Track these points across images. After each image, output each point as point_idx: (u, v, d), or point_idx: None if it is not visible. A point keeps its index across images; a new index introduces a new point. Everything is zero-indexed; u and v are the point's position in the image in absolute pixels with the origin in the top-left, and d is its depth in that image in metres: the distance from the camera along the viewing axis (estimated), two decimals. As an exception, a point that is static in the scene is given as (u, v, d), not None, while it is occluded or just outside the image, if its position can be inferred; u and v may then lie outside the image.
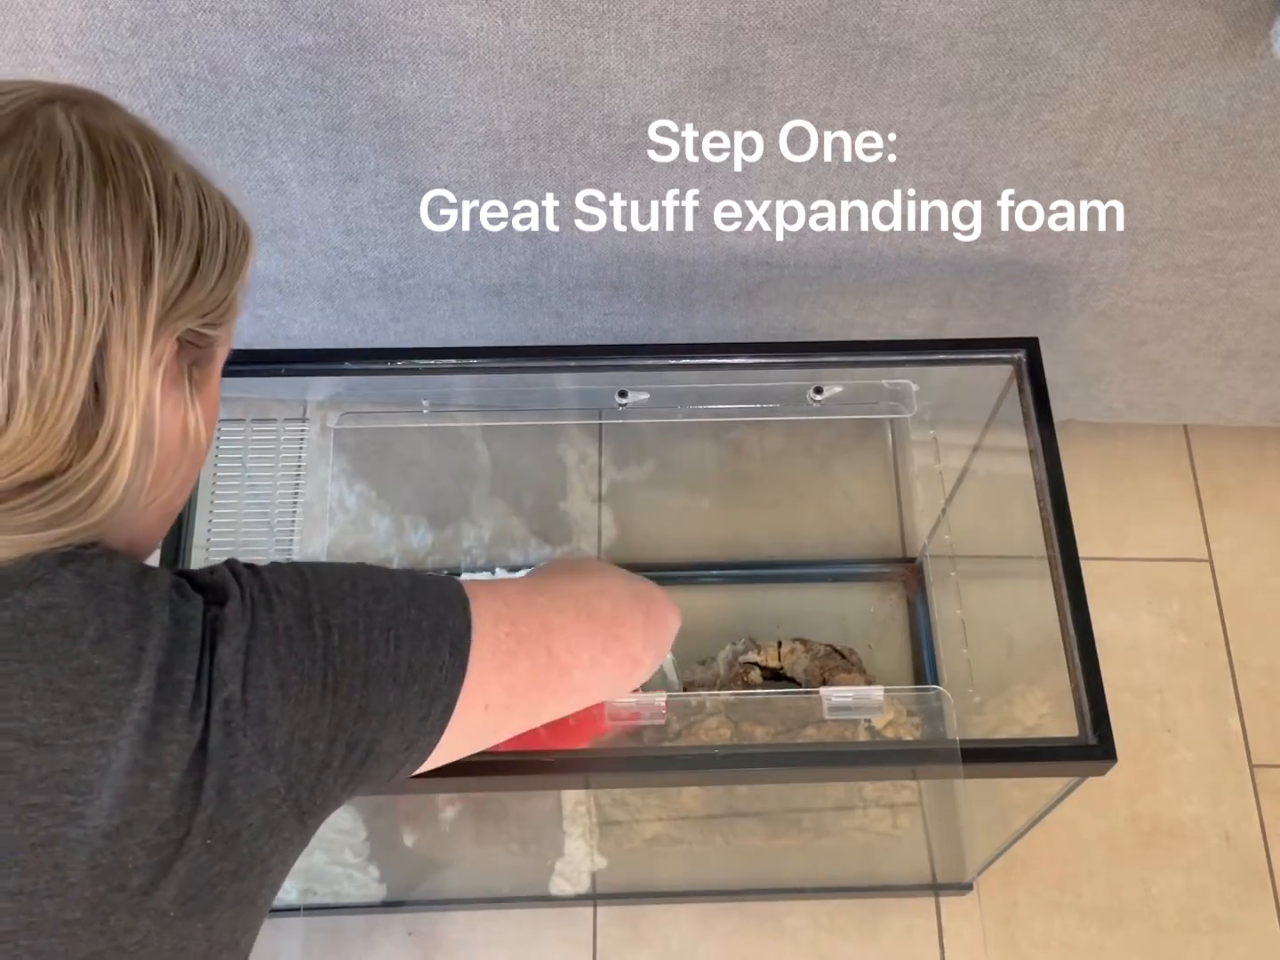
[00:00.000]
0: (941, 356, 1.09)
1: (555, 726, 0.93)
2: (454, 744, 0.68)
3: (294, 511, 1.13)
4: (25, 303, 0.53)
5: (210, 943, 0.60)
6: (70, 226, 0.54)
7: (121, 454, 0.57)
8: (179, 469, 0.64)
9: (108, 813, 0.55)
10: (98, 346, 0.55)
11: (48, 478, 0.57)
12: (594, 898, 1.24)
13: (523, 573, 1.15)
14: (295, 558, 1.18)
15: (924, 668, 1.34)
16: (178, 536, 0.96)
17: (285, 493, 1.07)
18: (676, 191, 1.05)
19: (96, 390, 0.56)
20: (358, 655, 0.63)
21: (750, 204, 1.06)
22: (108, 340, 0.56)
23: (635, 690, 0.93)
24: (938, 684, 1.28)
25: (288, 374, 1.04)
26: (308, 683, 0.61)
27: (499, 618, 0.70)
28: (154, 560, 0.90)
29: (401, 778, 0.67)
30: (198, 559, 0.98)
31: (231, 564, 0.64)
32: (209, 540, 1.04)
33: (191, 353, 0.62)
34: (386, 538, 1.35)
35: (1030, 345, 1.07)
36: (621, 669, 0.78)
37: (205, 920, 0.59)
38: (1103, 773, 0.91)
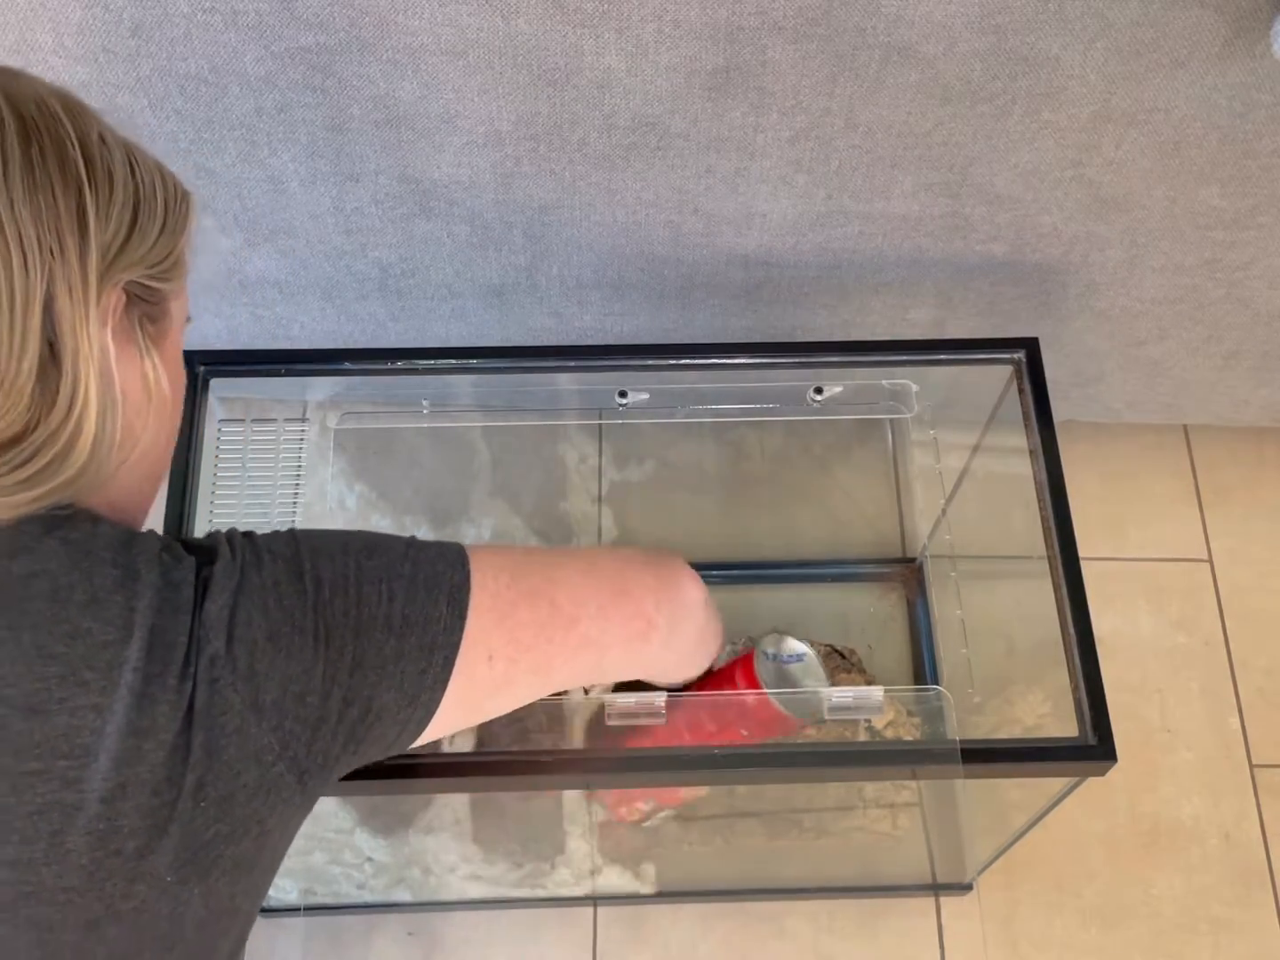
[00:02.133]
0: (941, 356, 1.09)
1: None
2: (462, 702, 0.67)
3: (294, 511, 1.13)
4: None
5: (208, 908, 0.60)
6: None
7: (85, 408, 0.58)
8: (146, 424, 0.65)
9: (104, 776, 0.55)
10: (44, 301, 0.56)
11: (16, 440, 0.57)
12: (594, 898, 1.24)
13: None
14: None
15: (924, 668, 1.34)
16: (178, 534, 0.96)
17: (285, 493, 1.07)
18: (677, 191, 1.05)
19: (51, 347, 0.57)
20: (349, 608, 0.63)
21: (750, 204, 1.06)
22: (53, 295, 0.56)
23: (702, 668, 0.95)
24: (938, 684, 1.28)
25: (288, 374, 1.04)
26: (298, 634, 0.60)
27: (499, 570, 0.69)
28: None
29: (409, 739, 0.67)
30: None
31: (227, 530, 0.64)
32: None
33: (141, 306, 0.63)
34: (386, 538, 1.35)
35: (1030, 345, 1.07)
36: (631, 626, 0.77)
37: (202, 885, 0.59)
38: (1103, 773, 0.91)
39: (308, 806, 0.65)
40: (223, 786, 0.58)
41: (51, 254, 0.56)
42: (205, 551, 0.62)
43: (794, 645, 1.06)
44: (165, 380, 0.65)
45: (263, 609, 0.60)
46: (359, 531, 0.68)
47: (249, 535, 0.65)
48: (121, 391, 0.61)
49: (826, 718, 0.95)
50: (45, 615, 0.56)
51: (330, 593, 0.63)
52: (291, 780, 0.61)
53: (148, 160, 0.64)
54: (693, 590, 0.84)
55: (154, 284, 0.63)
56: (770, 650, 1.05)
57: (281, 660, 0.60)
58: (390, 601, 0.64)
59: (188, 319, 0.70)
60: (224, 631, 0.59)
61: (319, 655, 0.61)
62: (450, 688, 0.66)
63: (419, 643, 0.65)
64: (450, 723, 0.68)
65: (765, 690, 1.08)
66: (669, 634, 0.81)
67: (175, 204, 0.65)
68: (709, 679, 1.00)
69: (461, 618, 0.66)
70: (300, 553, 0.63)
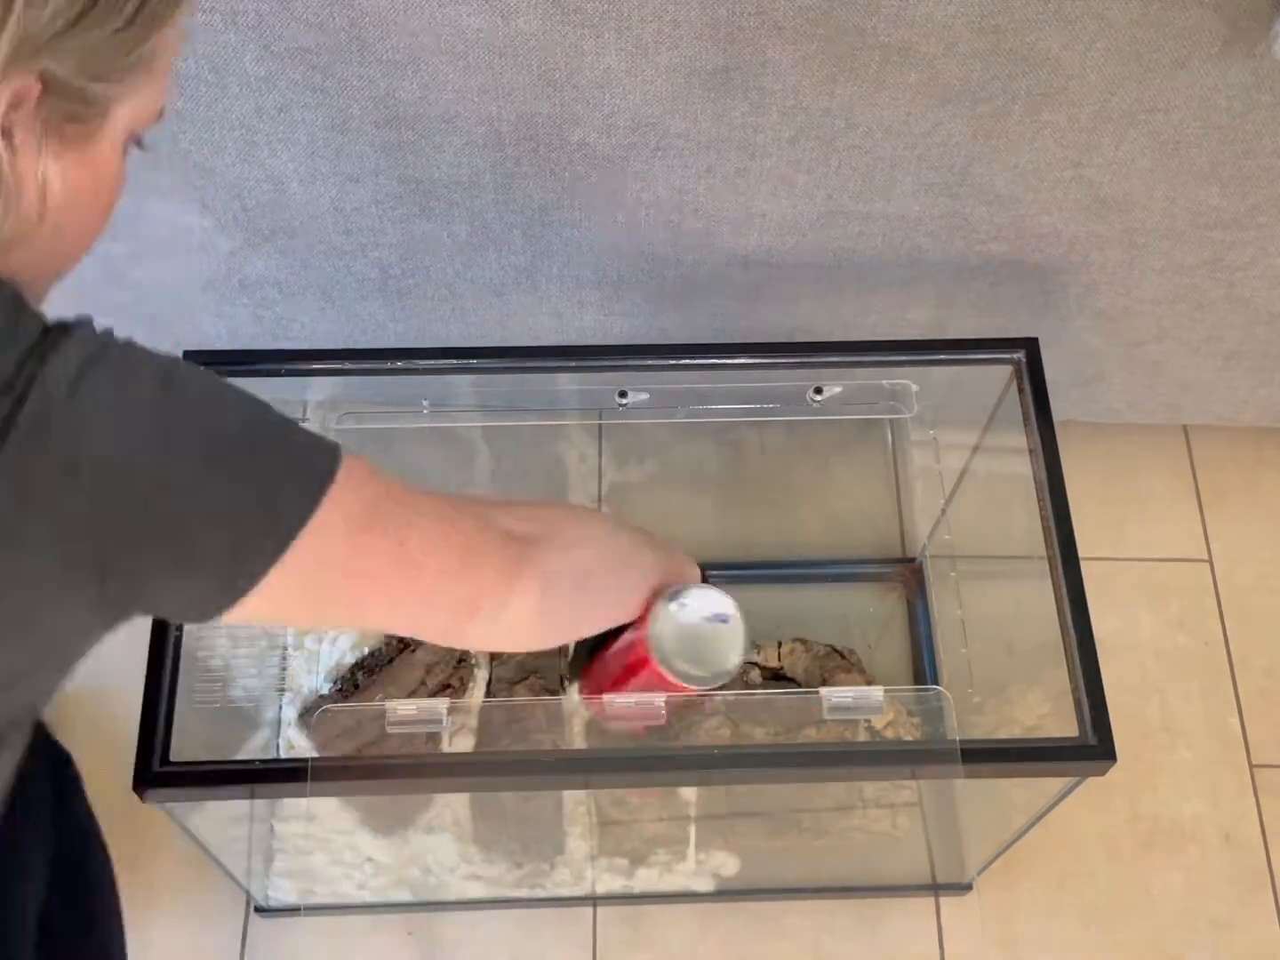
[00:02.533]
0: (941, 357, 1.09)
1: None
2: (275, 589, 0.59)
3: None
4: None
5: None
6: None
7: None
8: (36, 226, 0.57)
9: None
10: None
11: None
12: (594, 898, 1.24)
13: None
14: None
15: (924, 668, 1.34)
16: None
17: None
18: (677, 192, 1.05)
19: None
20: (205, 427, 0.57)
21: (750, 204, 1.06)
22: None
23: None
24: (938, 684, 1.28)
25: (288, 374, 1.03)
26: (143, 431, 0.55)
27: (364, 485, 0.63)
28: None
29: (213, 608, 0.60)
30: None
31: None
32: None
33: (63, 105, 0.55)
34: (386, 538, 1.35)
35: (1030, 345, 1.07)
36: (454, 612, 0.70)
37: None
38: (1103, 773, 0.91)
39: (105, 612, 0.58)
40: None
41: None
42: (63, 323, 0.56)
43: (719, 603, 0.86)
44: (72, 188, 0.57)
45: (111, 384, 0.54)
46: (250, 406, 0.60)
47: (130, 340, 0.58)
48: (12, 182, 0.54)
49: (826, 718, 0.95)
50: None
51: (197, 401, 0.57)
52: (92, 575, 0.55)
53: None
54: (524, 597, 0.74)
55: (89, 85, 0.55)
56: (685, 602, 0.85)
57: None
58: (246, 458, 0.58)
59: (159, 114, 0.62)
60: (65, 386, 0.53)
61: (161, 460, 0.55)
62: (276, 565, 0.59)
63: (261, 498, 0.59)
64: (254, 610, 0.60)
65: (763, 692, 1.08)
66: (491, 622, 0.73)
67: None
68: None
69: (312, 505, 0.60)
70: (176, 372, 0.57)
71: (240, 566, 0.59)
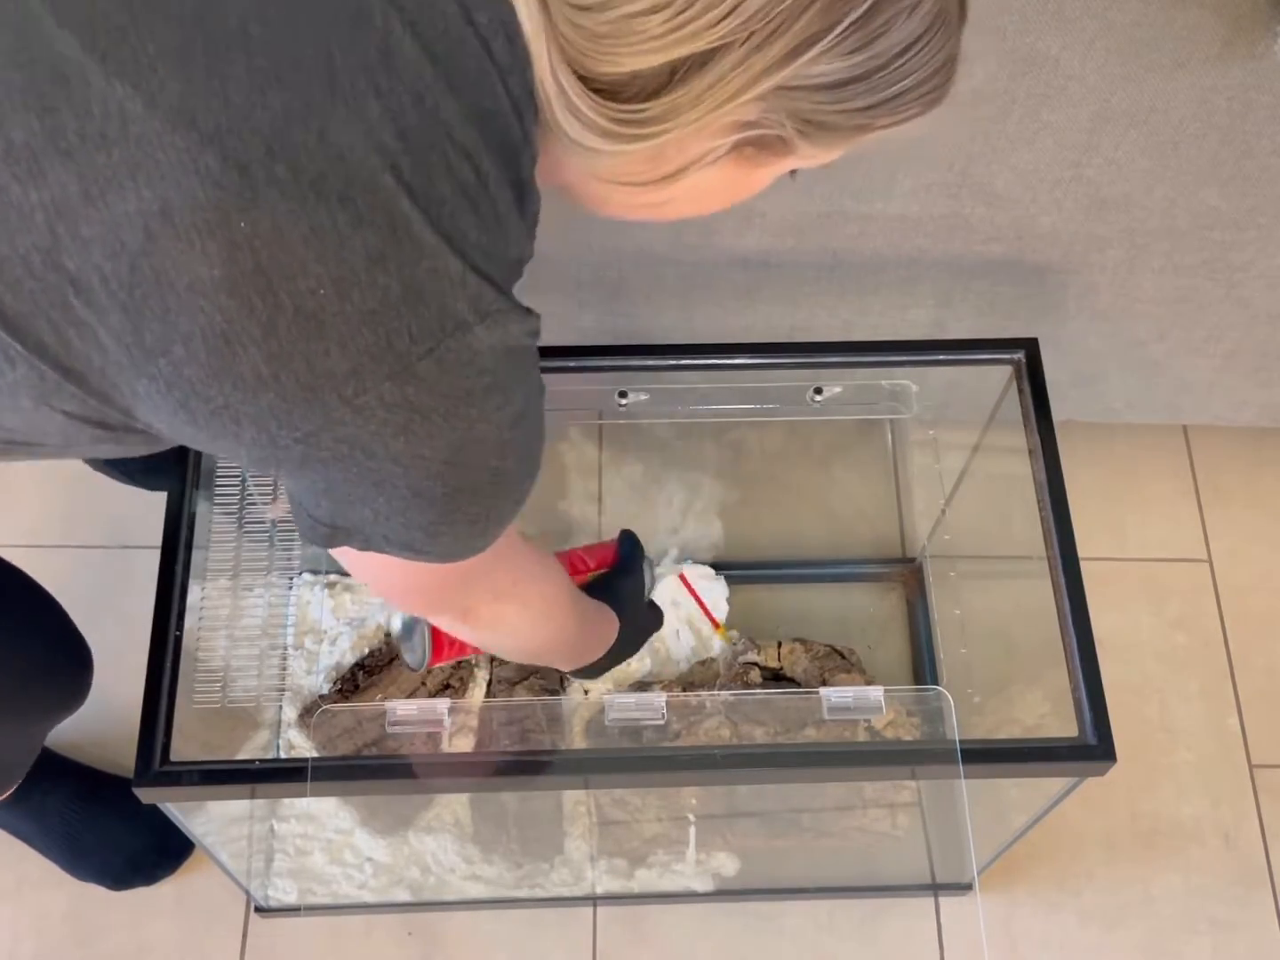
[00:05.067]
0: (941, 357, 1.09)
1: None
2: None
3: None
4: None
5: None
6: None
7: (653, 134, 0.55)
8: (649, 192, 0.60)
9: None
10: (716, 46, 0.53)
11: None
12: (594, 898, 1.24)
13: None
14: (297, 557, 1.18)
15: (924, 668, 1.34)
16: (177, 530, 0.96)
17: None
18: (676, 192, 1.05)
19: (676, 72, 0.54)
20: (492, 459, 0.61)
21: (750, 204, 1.06)
22: (724, 49, 0.53)
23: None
24: (938, 684, 1.28)
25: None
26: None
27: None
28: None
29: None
30: (198, 559, 0.98)
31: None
32: (210, 538, 1.04)
33: (764, 140, 0.58)
34: (386, 538, 1.35)
35: (1030, 345, 1.07)
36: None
37: None
38: (1103, 773, 0.92)
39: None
40: None
41: (785, 14, 0.52)
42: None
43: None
44: (708, 189, 0.61)
45: (496, 378, 0.57)
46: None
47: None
48: (671, 172, 0.58)
49: (826, 718, 0.95)
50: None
51: (502, 443, 0.60)
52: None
53: (940, 50, 0.58)
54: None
55: (795, 135, 0.57)
56: None
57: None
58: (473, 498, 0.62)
59: (793, 172, 0.64)
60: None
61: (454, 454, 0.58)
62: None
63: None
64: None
65: (763, 692, 1.08)
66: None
67: (907, 100, 0.58)
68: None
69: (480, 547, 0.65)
70: (527, 414, 0.61)
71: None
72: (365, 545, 0.63)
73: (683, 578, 1.27)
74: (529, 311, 0.58)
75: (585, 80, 0.55)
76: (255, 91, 0.50)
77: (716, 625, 1.26)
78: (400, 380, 0.53)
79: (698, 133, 0.56)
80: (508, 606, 0.78)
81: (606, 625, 0.95)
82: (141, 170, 0.49)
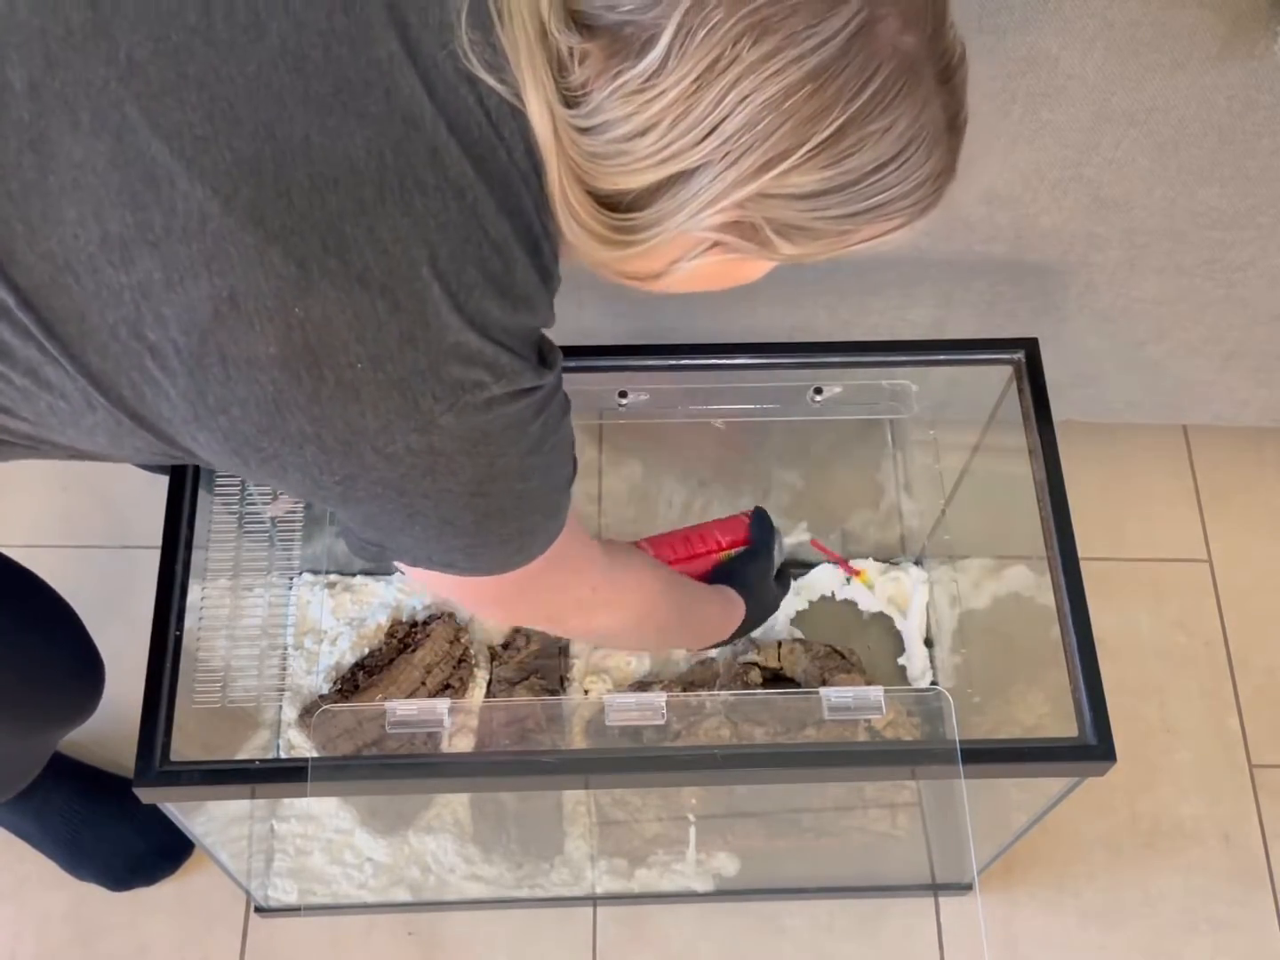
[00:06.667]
0: (941, 357, 1.09)
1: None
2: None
3: (297, 504, 1.13)
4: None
5: None
6: (757, 80, 0.56)
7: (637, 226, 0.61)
8: (647, 281, 0.68)
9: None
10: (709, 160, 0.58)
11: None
12: (594, 898, 1.24)
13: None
14: (297, 557, 1.19)
15: (924, 668, 1.33)
16: (176, 530, 0.96)
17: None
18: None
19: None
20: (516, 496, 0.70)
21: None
22: (703, 166, 0.58)
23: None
24: (937, 684, 1.28)
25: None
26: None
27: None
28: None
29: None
30: (198, 558, 0.98)
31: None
32: (210, 537, 1.04)
33: (744, 238, 0.63)
34: (386, 538, 1.35)
35: (1030, 345, 1.07)
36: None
37: None
38: (1103, 773, 0.92)
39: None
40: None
41: (757, 135, 0.57)
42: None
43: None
44: (700, 274, 0.66)
45: (515, 431, 0.66)
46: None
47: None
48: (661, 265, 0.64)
49: (826, 718, 0.95)
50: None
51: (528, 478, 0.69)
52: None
53: (918, 170, 0.62)
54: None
55: (775, 237, 0.62)
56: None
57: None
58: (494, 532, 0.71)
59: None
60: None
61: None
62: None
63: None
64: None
65: (763, 692, 1.08)
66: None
67: (885, 218, 0.63)
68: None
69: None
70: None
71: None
72: (414, 563, 0.72)
73: None
74: (544, 364, 0.68)
75: (590, 193, 0.61)
76: (315, 193, 0.58)
77: (856, 572, 1.34)
78: (424, 432, 0.62)
79: (683, 236, 0.62)
80: (596, 614, 0.88)
81: (730, 607, 1.06)
82: (215, 261, 0.58)
